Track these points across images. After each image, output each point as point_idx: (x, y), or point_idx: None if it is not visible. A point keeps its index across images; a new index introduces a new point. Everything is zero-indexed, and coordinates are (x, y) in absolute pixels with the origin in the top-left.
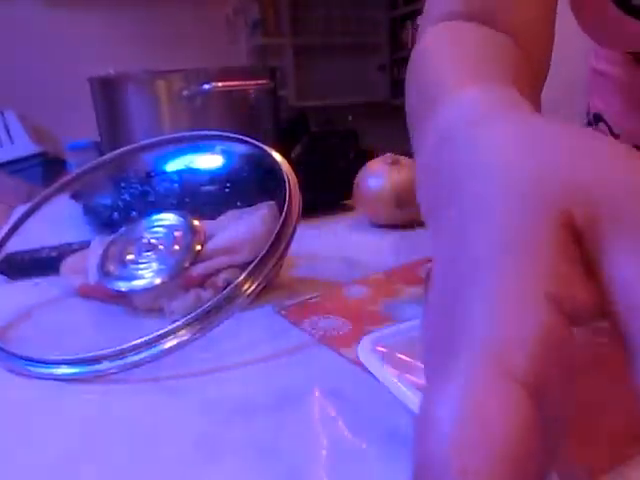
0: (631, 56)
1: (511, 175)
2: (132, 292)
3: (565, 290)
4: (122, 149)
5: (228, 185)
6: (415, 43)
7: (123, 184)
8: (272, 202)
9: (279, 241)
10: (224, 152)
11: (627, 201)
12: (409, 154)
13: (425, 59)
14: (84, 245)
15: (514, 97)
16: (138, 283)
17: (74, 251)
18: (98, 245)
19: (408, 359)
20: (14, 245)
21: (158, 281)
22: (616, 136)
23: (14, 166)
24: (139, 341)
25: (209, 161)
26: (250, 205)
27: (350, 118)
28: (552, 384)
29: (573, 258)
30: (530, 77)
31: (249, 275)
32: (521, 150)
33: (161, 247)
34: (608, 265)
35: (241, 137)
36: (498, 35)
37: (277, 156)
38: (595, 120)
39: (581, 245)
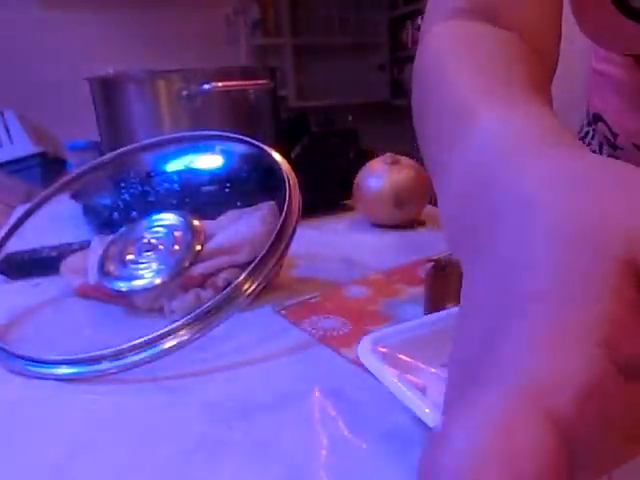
0: (631, 57)
1: (567, 218)
2: (132, 292)
3: (621, 339)
4: (122, 149)
5: (228, 185)
6: (418, 42)
7: (123, 184)
8: (272, 202)
9: (279, 241)
10: (224, 152)
11: None
12: (409, 154)
13: (436, 63)
14: (84, 245)
15: (550, 123)
16: (138, 283)
17: (74, 251)
18: (98, 245)
19: (408, 359)
20: (14, 245)
21: (158, 281)
22: (615, 135)
23: (14, 166)
24: (139, 341)
25: (209, 161)
26: (250, 205)
27: (350, 118)
28: (586, 434)
29: (634, 304)
30: (542, 73)
31: (249, 275)
32: (576, 192)
33: (161, 247)
34: None
35: (241, 137)
36: (503, 32)
37: (277, 156)
38: (594, 120)
39: None
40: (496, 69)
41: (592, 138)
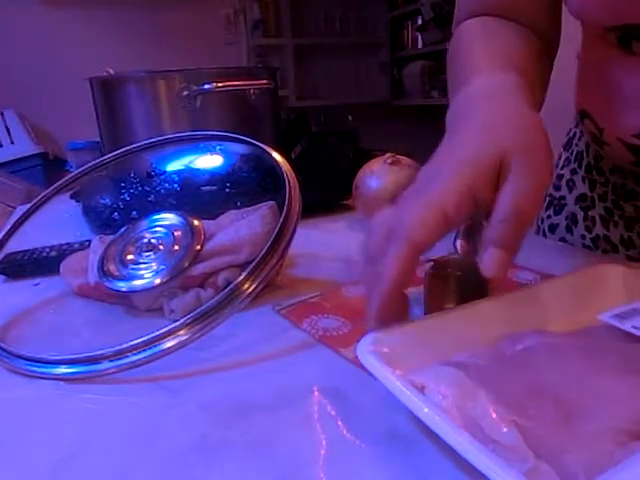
0: (614, 38)
1: (487, 129)
2: (132, 292)
3: (481, 189)
4: (122, 149)
5: (228, 185)
6: (453, 34)
7: (123, 184)
8: (272, 202)
9: (279, 241)
10: (224, 152)
11: (525, 154)
12: (409, 154)
13: (462, 43)
14: (84, 245)
15: (514, 84)
16: (138, 283)
17: (74, 251)
18: (98, 245)
19: (408, 359)
20: (14, 245)
21: (158, 281)
22: (601, 131)
23: (14, 166)
24: (139, 341)
25: (209, 161)
26: (250, 205)
27: (350, 118)
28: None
29: (492, 178)
30: (539, 50)
31: (249, 275)
32: (498, 119)
33: (161, 247)
34: (502, 188)
35: (241, 137)
36: (511, 24)
37: (277, 156)
38: (581, 117)
39: (499, 175)
40: (499, 47)
41: (579, 139)
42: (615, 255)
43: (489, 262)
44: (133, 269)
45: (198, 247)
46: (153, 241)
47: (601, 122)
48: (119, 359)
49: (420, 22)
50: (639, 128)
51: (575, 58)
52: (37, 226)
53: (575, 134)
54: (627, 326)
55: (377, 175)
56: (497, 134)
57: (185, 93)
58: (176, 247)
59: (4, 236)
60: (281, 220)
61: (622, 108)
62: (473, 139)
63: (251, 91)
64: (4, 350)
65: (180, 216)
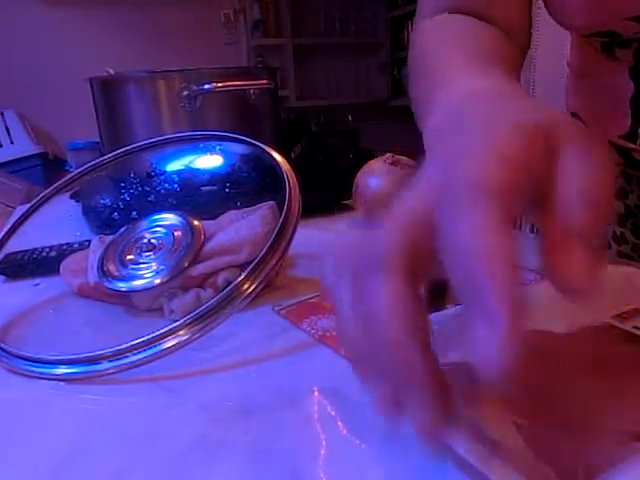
0: (598, 45)
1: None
2: (132, 292)
3: (536, 156)
4: (122, 149)
5: (228, 185)
6: (413, 33)
7: (123, 184)
8: (272, 202)
9: (279, 241)
10: (224, 152)
11: (576, 130)
12: (409, 154)
13: (427, 45)
14: (84, 245)
15: (499, 84)
16: (138, 283)
17: (74, 251)
18: (98, 245)
19: None
20: (14, 245)
21: (158, 281)
22: None
23: (14, 166)
24: (138, 341)
25: (209, 161)
26: (250, 205)
27: (350, 118)
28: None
29: (544, 148)
30: (509, 47)
31: (249, 275)
32: (497, 114)
33: (161, 247)
34: (561, 168)
35: (241, 137)
36: (480, 23)
37: (277, 156)
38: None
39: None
40: (470, 46)
41: None
42: (607, 251)
43: (581, 269)
44: (133, 269)
45: (198, 247)
46: (153, 241)
47: (589, 124)
48: (119, 359)
49: None
50: (624, 130)
51: (565, 64)
52: (37, 226)
53: None
54: (628, 326)
55: (377, 175)
56: (526, 112)
57: (185, 93)
58: (176, 247)
59: (4, 236)
60: (281, 220)
61: (608, 111)
62: (501, 114)
63: (251, 91)
64: (4, 350)
65: (180, 216)
